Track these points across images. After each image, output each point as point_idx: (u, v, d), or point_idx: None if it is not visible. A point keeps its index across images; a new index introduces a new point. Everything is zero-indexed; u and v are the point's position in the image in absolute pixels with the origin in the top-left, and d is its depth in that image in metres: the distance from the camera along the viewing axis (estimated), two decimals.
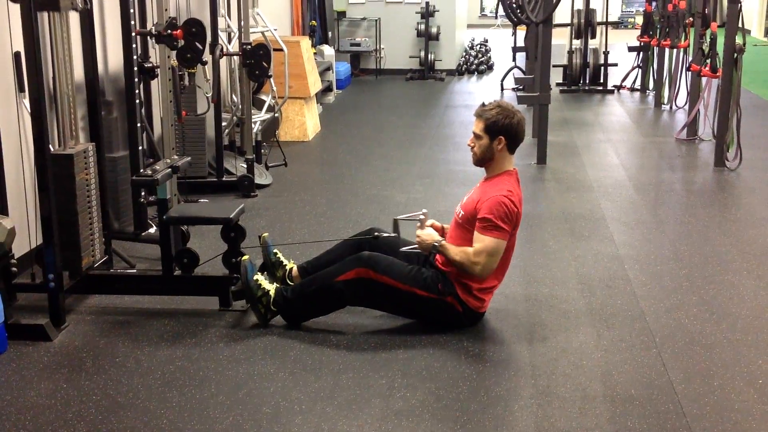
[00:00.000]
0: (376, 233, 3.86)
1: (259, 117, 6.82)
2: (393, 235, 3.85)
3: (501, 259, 3.57)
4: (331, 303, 3.63)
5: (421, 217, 3.69)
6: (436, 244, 3.57)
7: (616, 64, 11.34)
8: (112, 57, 5.09)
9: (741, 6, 6.52)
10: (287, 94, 7.17)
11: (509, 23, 11.25)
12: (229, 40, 6.71)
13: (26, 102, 3.73)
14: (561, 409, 2.98)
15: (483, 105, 3.63)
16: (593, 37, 11.08)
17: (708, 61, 7.13)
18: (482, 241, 3.48)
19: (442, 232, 3.77)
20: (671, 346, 3.47)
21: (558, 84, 11.15)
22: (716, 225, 5.22)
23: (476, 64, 13.35)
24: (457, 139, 7.96)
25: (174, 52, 4.73)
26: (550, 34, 7.02)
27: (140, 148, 4.57)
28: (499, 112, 3.55)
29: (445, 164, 6.91)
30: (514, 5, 9.77)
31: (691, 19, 8.34)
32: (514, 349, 3.48)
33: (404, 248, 3.73)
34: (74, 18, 4.00)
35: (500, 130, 3.54)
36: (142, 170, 4.26)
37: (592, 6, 10.97)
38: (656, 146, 7.67)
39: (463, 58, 13.48)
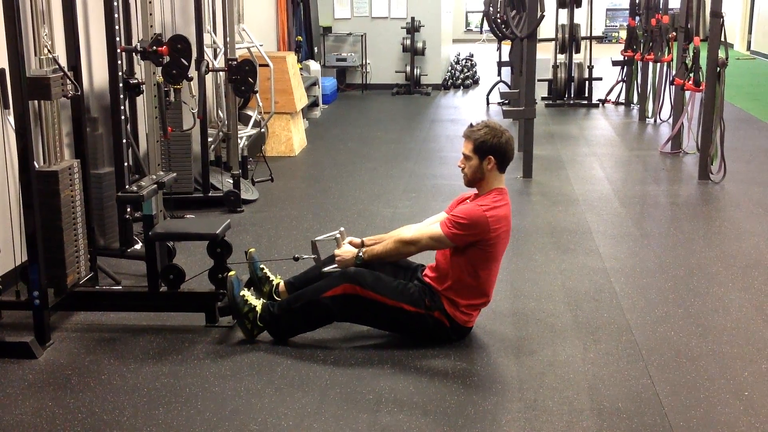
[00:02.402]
0: (296, 256, 3.94)
1: (245, 132, 6.82)
2: (313, 256, 3.87)
3: (486, 273, 3.58)
4: (318, 318, 3.63)
5: (337, 236, 3.75)
6: (360, 254, 3.63)
7: (600, 79, 11.41)
8: (97, 73, 5.08)
9: (723, 20, 6.58)
10: (273, 110, 7.19)
11: (494, 38, 11.34)
12: (215, 56, 6.72)
13: (11, 119, 3.72)
14: (548, 423, 2.98)
15: (471, 126, 3.64)
16: (578, 51, 11.15)
17: (691, 75, 7.19)
18: (432, 227, 3.59)
19: (361, 246, 3.80)
20: (657, 359, 3.48)
21: (543, 98, 11.21)
22: (701, 237, 5.25)
23: (462, 78, 13.40)
24: (443, 153, 7.99)
25: (159, 69, 4.72)
26: (534, 49, 7.06)
27: (126, 164, 4.56)
28: (488, 132, 3.56)
29: (431, 179, 6.92)
30: (499, 20, 9.85)
31: (674, 33, 8.41)
32: (502, 363, 3.48)
33: (326, 269, 3.75)
34: (59, 35, 4.00)
35: (489, 150, 3.55)
36: (127, 186, 4.25)
37: (576, 21, 11.04)
38: (641, 160, 7.72)
39: (449, 73, 13.53)
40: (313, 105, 10.18)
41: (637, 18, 10.15)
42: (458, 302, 3.56)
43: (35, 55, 3.84)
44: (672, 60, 8.64)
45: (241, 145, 6.51)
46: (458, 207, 3.64)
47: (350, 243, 3.80)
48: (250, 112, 7.14)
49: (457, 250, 3.55)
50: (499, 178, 3.63)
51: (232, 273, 3.72)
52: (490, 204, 3.53)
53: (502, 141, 3.56)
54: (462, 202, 3.72)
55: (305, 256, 3.92)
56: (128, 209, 4.57)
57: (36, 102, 3.98)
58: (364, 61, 12.66)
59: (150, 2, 4.78)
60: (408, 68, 12.48)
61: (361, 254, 3.65)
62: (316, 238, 3.89)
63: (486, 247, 3.53)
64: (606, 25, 22.24)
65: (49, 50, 3.79)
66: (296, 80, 8.28)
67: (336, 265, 3.71)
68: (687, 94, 7.59)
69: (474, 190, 3.69)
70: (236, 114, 6.25)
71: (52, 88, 3.59)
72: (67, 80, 3.74)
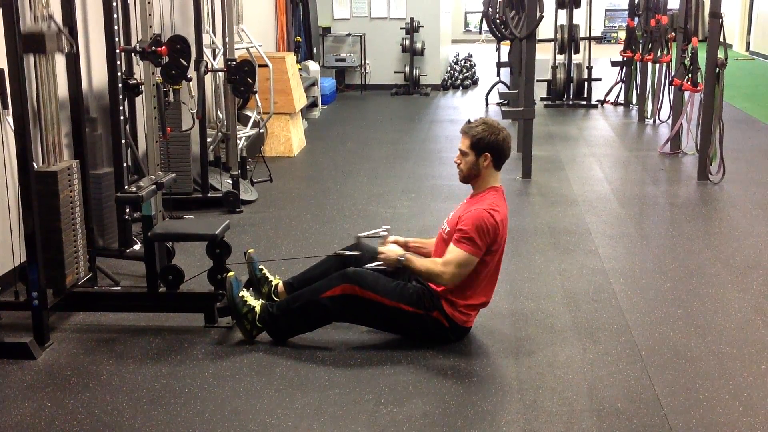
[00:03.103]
0: (338, 252, 3.88)
1: (244, 133, 6.82)
2: (356, 253, 3.84)
3: (488, 276, 3.58)
4: (317, 319, 3.62)
5: (383, 233, 3.72)
6: (401, 258, 3.58)
7: (599, 79, 11.42)
8: (96, 73, 5.08)
9: (722, 21, 6.59)
10: (272, 110, 7.19)
11: (493, 38, 11.34)
12: (214, 57, 6.72)
13: (10, 119, 3.72)
14: (548, 424, 2.98)
15: (469, 122, 3.64)
16: (577, 52, 11.14)
17: (690, 75, 7.19)
18: (453, 252, 3.50)
19: (405, 246, 3.78)
20: (657, 360, 3.48)
21: (542, 99, 11.22)
22: (700, 238, 5.25)
23: (461, 79, 13.40)
24: (443, 154, 7.98)
25: (158, 69, 4.72)
26: (533, 50, 7.06)
27: (125, 164, 4.56)
28: (485, 128, 3.57)
29: (430, 179, 6.92)
30: (498, 21, 9.86)
31: (673, 34, 8.41)
32: (501, 364, 3.48)
33: (369, 265, 3.73)
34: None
35: (486, 147, 3.55)
36: (126, 187, 4.25)
37: (575, 21, 11.04)
38: (640, 160, 7.72)
39: (448, 74, 13.53)
40: (312, 105, 10.18)
41: (636, 18, 10.15)
42: (457, 302, 3.56)
43: (30, 10, 3.76)
44: (671, 60, 8.64)
45: (240, 146, 6.51)
46: (462, 219, 3.55)
47: (395, 242, 3.76)
48: (249, 113, 7.14)
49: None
50: (495, 176, 3.63)
51: (231, 273, 3.72)
52: (493, 206, 3.53)
53: (500, 138, 3.57)
54: (461, 211, 3.67)
55: (348, 252, 3.86)
56: (127, 210, 4.57)
57: (35, 102, 3.97)
58: (363, 62, 12.66)
59: (149, 2, 4.78)
60: (407, 69, 12.48)
61: (403, 259, 3.59)
62: (361, 234, 3.86)
63: (489, 248, 3.52)
64: (605, 26, 22.26)
65: (44, 6, 3.72)
66: (295, 81, 8.28)
67: (379, 263, 3.68)
68: (686, 94, 7.59)
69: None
70: (235, 114, 6.25)
71: (47, 42, 3.54)
72: (63, 36, 3.67)
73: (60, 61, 3.97)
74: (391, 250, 3.65)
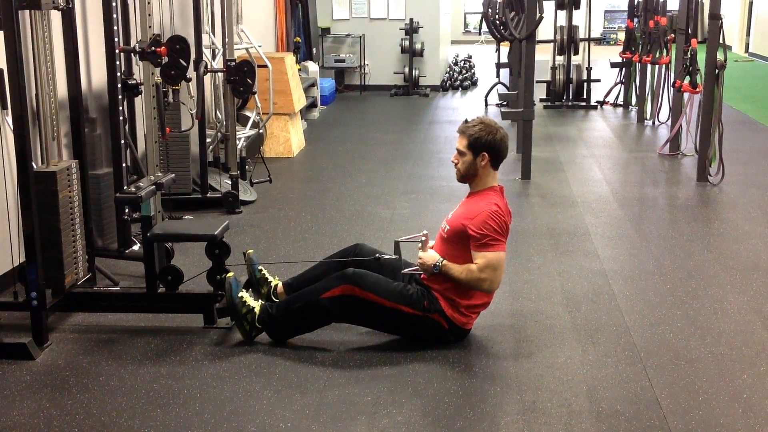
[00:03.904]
0: (377, 255, 3.83)
1: (243, 133, 6.82)
2: (395, 257, 3.82)
3: None
4: (317, 320, 3.62)
5: (423, 238, 3.68)
6: (438, 264, 3.56)
7: (599, 80, 11.42)
8: (95, 74, 5.08)
9: (722, 22, 6.59)
10: (272, 111, 7.18)
11: (493, 39, 11.34)
12: (214, 57, 6.72)
13: (9, 119, 3.71)
14: (547, 425, 2.98)
15: (466, 121, 3.65)
16: (576, 53, 11.15)
17: (689, 76, 7.19)
18: (484, 256, 3.48)
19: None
20: (656, 361, 3.48)
21: (542, 100, 11.21)
22: (699, 239, 5.25)
23: (460, 80, 13.40)
24: (442, 154, 7.98)
25: (158, 69, 4.72)
26: (533, 51, 7.06)
27: (124, 165, 4.56)
28: (482, 128, 3.57)
29: (429, 180, 6.92)
30: (498, 22, 9.86)
31: (672, 35, 8.42)
32: (500, 365, 3.48)
33: (406, 270, 3.72)
34: (57, 34, 3.99)
35: (483, 146, 3.56)
36: (126, 187, 4.25)
37: (574, 22, 11.05)
38: (639, 161, 7.72)
39: (447, 74, 13.53)
40: (311, 106, 10.18)
41: (636, 20, 10.15)
42: (458, 302, 3.56)
43: None
44: (670, 62, 8.65)
45: (239, 146, 6.51)
46: (474, 222, 3.52)
47: (433, 248, 3.72)
48: (248, 113, 7.14)
49: (458, 251, 3.55)
50: (493, 175, 3.63)
51: (230, 274, 3.72)
52: (496, 204, 3.55)
53: (497, 138, 3.57)
54: (462, 209, 3.67)
55: (387, 256, 3.83)
56: (126, 210, 4.57)
57: (34, 102, 3.97)
58: (362, 62, 12.66)
59: (149, 3, 4.78)
60: (406, 69, 12.48)
61: (440, 264, 3.57)
62: (400, 239, 3.84)
63: None
64: (604, 27, 22.27)
65: None
66: (295, 81, 8.28)
67: (416, 267, 3.66)
68: (685, 95, 7.59)
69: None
70: (235, 115, 6.24)
71: None
72: None
73: (60, 63, 3.97)
74: (429, 255, 3.61)
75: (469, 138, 3.57)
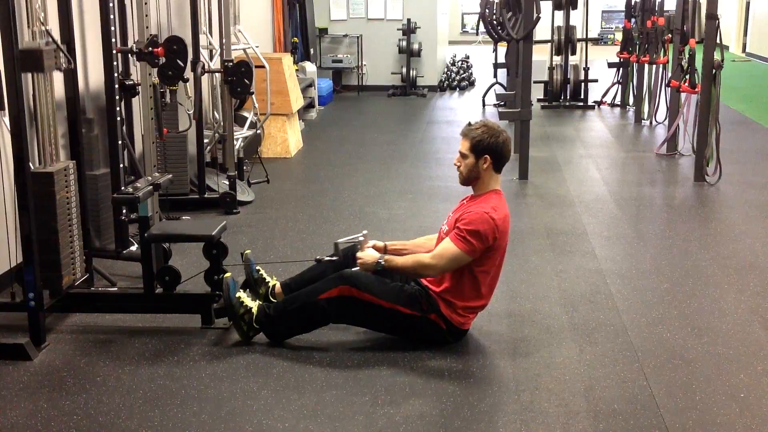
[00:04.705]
0: (317, 258, 3.90)
1: (241, 134, 6.82)
2: (334, 258, 3.84)
3: (485, 276, 3.57)
4: (314, 320, 3.62)
5: (361, 239, 3.73)
6: (380, 261, 3.59)
7: (596, 80, 11.43)
8: (92, 74, 5.07)
9: (719, 22, 6.59)
10: (269, 111, 7.18)
11: (490, 40, 11.34)
12: (211, 57, 6.71)
13: (6, 120, 3.71)
14: (544, 425, 2.98)
15: (469, 124, 3.64)
16: (573, 53, 11.16)
17: (687, 76, 7.20)
18: (448, 247, 3.51)
19: (384, 250, 3.79)
20: (653, 361, 3.48)
21: (539, 100, 11.21)
22: (696, 239, 5.25)
23: (458, 80, 13.41)
24: (440, 155, 7.99)
25: (155, 70, 4.72)
26: (530, 51, 7.07)
27: (121, 165, 4.55)
28: (485, 131, 3.56)
29: (427, 180, 6.93)
30: (495, 22, 9.86)
31: (669, 35, 8.42)
32: (498, 365, 3.48)
33: (347, 270, 3.74)
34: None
35: (486, 149, 3.55)
36: (123, 188, 4.24)
37: (572, 23, 11.05)
38: (637, 161, 7.73)
39: (445, 75, 13.54)
40: (309, 106, 10.18)
41: (633, 20, 10.17)
42: (456, 304, 3.56)
43: (28, 27, 3.77)
44: (668, 62, 8.65)
45: (237, 147, 6.51)
46: (462, 218, 3.55)
47: (373, 247, 3.77)
48: (246, 114, 7.14)
49: None
50: (495, 178, 3.63)
51: (228, 274, 3.72)
52: (495, 208, 3.53)
53: (499, 141, 3.56)
54: (460, 211, 3.68)
55: (327, 258, 3.87)
56: (124, 210, 4.56)
57: (31, 102, 3.97)
58: (360, 63, 12.66)
59: (146, 3, 4.78)
60: (404, 70, 12.48)
61: (382, 261, 3.62)
62: (339, 240, 3.86)
63: (488, 251, 3.52)
64: (602, 27, 22.30)
65: (41, 22, 3.74)
66: (292, 82, 8.28)
67: (357, 268, 3.68)
68: (683, 95, 7.60)
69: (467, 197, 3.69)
70: (232, 115, 6.24)
71: (44, 59, 3.54)
72: (61, 53, 3.69)
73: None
74: (368, 254, 3.67)
75: (472, 141, 3.57)
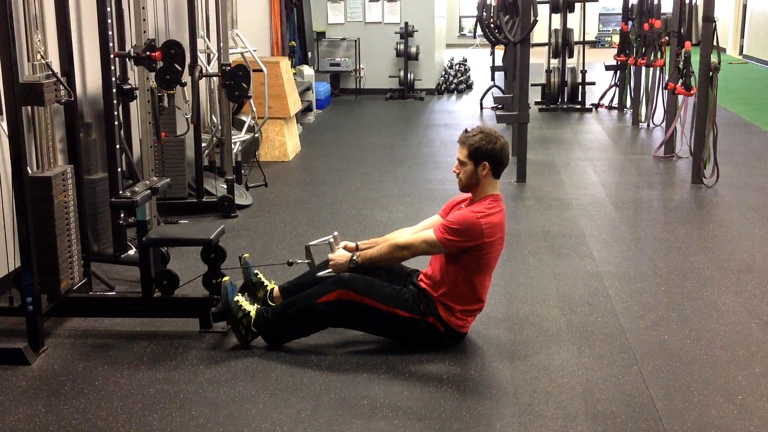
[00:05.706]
0: (290, 261, 3.96)
1: (238, 137, 6.81)
2: (307, 261, 3.87)
3: (481, 279, 3.58)
4: (313, 324, 3.62)
5: (331, 240, 3.76)
6: (354, 258, 3.63)
7: (593, 83, 11.44)
8: (90, 78, 5.08)
9: (715, 25, 6.61)
10: (267, 115, 7.18)
11: (488, 43, 11.36)
12: (209, 61, 6.71)
13: (3, 124, 3.71)
14: (543, 428, 2.98)
15: (466, 131, 3.64)
16: (571, 56, 11.17)
17: (683, 79, 7.21)
18: (427, 232, 3.59)
19: (356, 250, 3.81)
20: (651, 363, 3.49)
21: (537, 103, 11.23)
22: (694, 241, 5.26)
23: (456, 83, 13.41)
24: (438, 158, 7.99)
25: (153, 74, 4.72)
26: (528, 54, 7.07)
27: (119, 169, 4.55)
28: (482, 137, 3.57)
29: (425, 183, 6.93)
30: (493, 25, 9.88)
31: (666, 38, 8.44)
32: (496, 368, 3.49)
33: (320, 273, 3.76)
34: (52, 39, 4.00)
35: (484, 156, 3.55)
36: (121, 192, 4.24)
37: (569, 25, 11.07)
38: (634, 164, 7.73)
39: (443, 78, 13.55)
40: (306, 110, 10.18)
41: (630, 23, 10.18)
42: (453, 307, 3.56)
43: (28, 60, 3.83)
44: (665, 64, 8.67)
45: (234, 150, 6.51)
46: (453, 213, 3.64)
47: (344, 247, 3.81)
48: (243, 117, 7.14)
49: (451, 256, 3.56)
50: (494, 184, 3.63)
51: (226, 278, 3.72)
52: (485, 211, 3.53)
53: (497, 147, 3.57)
54: (456, 206, 3.73)
55: (299, 261, 3.92)
56: (122, 215, 4.56)
57: (29, 107, 3.97)
58: (357, 66, 12.66)
59: (143, 8, 4.78)
60: (402, 73, 12.48)
61: (355, 258, 3.65)
62: (310, 243, 3.89)
63: (480, 254, 3.53)
64: (599, 30, 22.32)
65: (42, 56, 3.79)
66: (290, 85, 8.28)
67: (330, 270, 3.71)
68: (680, 98, 7.61)
69: (469, 195, 3.69)
70: (230, 119, 6.24)
71: (45, 93, 3.59)
72: (61, 86, 3.73)
73: (55, 67, 3.97)
74: (340, 255, 3.71)
75: (470, 148, 3.57)
